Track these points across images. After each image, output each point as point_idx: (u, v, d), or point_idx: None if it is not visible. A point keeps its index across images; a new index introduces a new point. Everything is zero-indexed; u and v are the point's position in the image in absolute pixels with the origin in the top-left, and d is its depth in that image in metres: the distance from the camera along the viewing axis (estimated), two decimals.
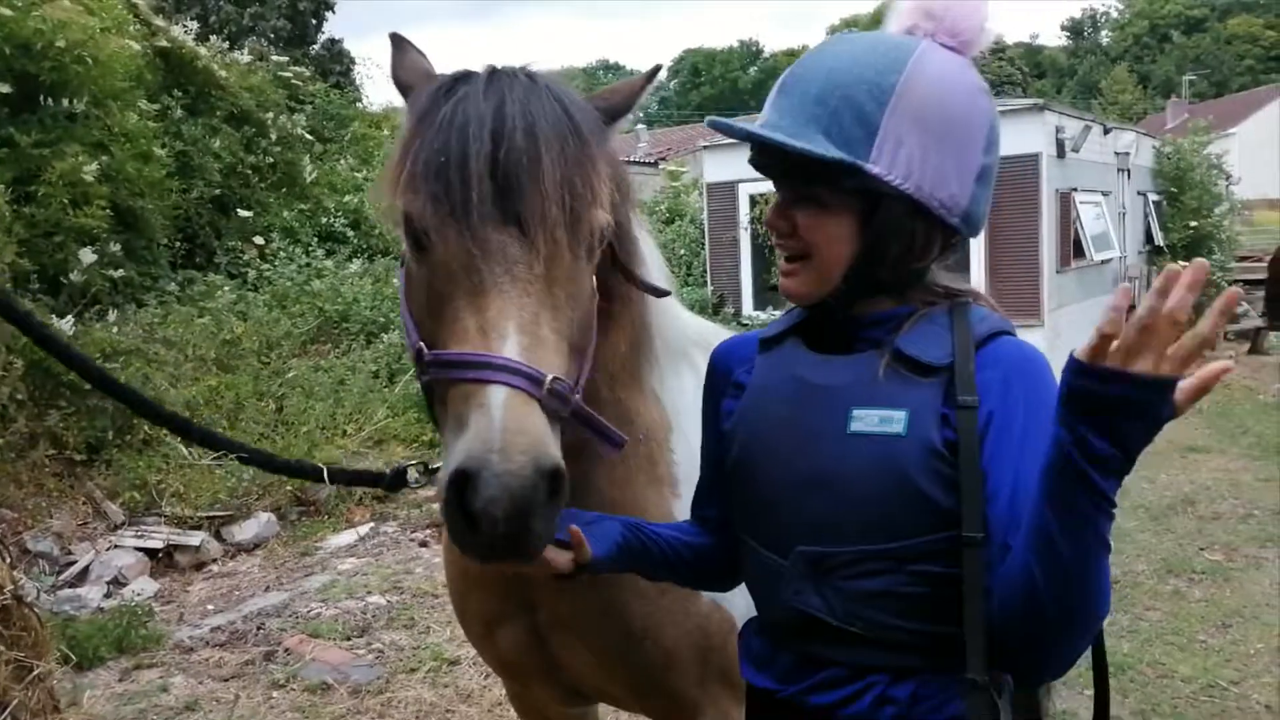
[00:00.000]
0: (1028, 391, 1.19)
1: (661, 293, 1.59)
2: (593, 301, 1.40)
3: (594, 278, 1.41)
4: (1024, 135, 9.28)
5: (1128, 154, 11.66)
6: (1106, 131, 11.04)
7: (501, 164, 1.28)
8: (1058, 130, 9.48)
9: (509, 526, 1.13)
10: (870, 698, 1.20)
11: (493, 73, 1.38)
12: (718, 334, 2.02)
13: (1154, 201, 12.77)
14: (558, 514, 1.19)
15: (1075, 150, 9.80)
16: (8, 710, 1.32)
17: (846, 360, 1.26)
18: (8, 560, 1.52)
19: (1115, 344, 0.95)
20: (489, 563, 1.21)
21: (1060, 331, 9.47)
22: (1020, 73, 47.40)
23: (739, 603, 1.63)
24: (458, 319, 1.27)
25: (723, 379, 1.43)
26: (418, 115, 1.36)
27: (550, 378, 1.21)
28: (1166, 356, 0.94)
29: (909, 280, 1.28)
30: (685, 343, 1.88)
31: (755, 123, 1.28)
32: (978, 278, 9.32)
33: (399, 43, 1.56)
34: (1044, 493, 1.02)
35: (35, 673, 1.41)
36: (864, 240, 1.22)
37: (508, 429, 1.14)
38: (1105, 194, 10.91)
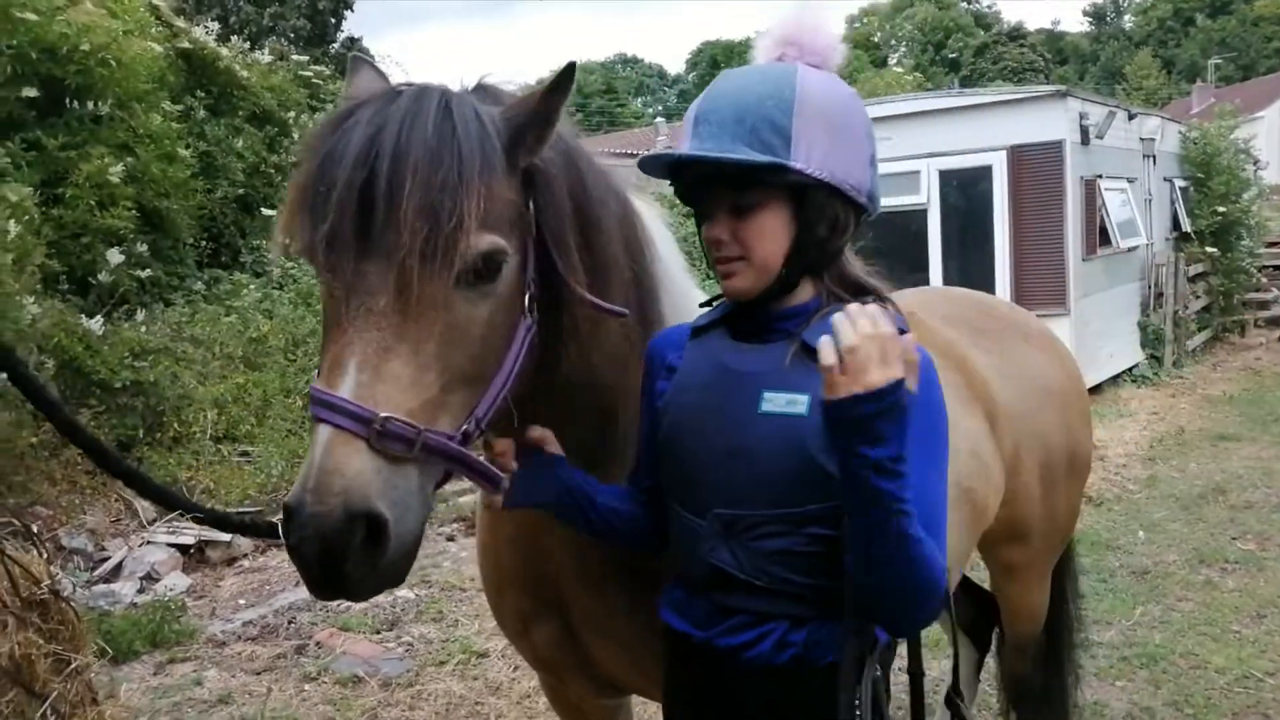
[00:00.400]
0: None
1: (617, 313, 1.52)
2: (503, 328, 1.35)
3: (515, 301, 1.37)
4: (1047, 122, 9.18)
5: (1153, 140, 11.51)
6: (1131, 117, 10.90)
7: (366, 194, 1.25)
8: (1081, 117, 9.37)
9: (321, 568, 1.15)
10: (771, 641, 1.40)
11: (394, 96, 1.35)
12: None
13: (1181, 187, 12.60)
14: (379, 558, 1.18)
15: (1099, 137, 9.68)
16: (47, 702, 1.34)
17: (762, 349, 1.46)
18: (44, 556, 1.54)
19: (841, 374, 1.20)
20: (320, 599, 1.23)
21: (1088, 320, 9.37)
22: (1042, 59, 46.96)
23: None
24: (322, 353, 1.29)
25: (657, 363, 1.58)
26: (307, 144, 1.38)
27: (383, 417, 1.18)
28: (884, 362, 1.20)
29: (834, 257, 1.48)
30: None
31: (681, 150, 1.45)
32: (1002, 267, 9.24)
33: (356, 65, 1.52)
34: (847, 508, 1.28)
35: (73, 666, 1.43)
36: (797, 227, 1.42)
37: (324, 469, 1.15)
38: (1131, 180, 10.77)
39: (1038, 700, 3.07)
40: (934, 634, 4.35)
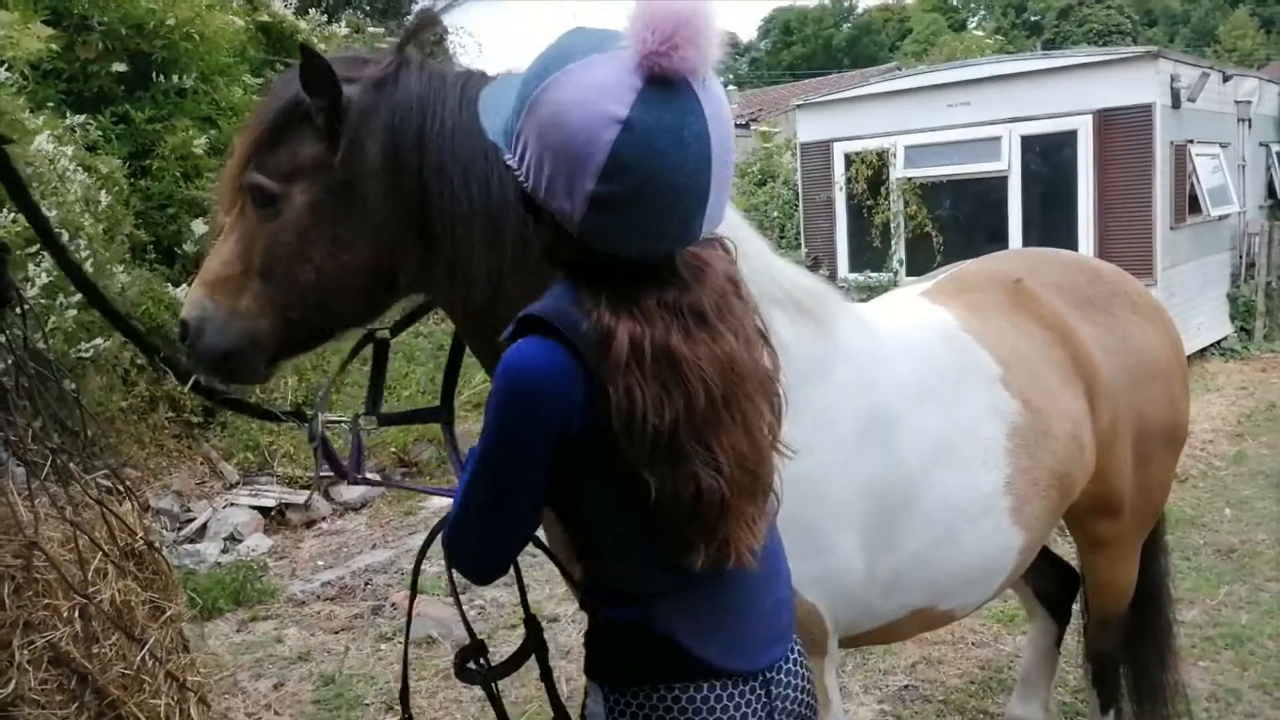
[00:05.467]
0: None
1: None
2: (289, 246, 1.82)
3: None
4: (1135, 85, 8.84)
5: (1249, 103, 11.01)
6: (1226, 79, 10.44)
7: None
8: (1173, 79, 9.00)
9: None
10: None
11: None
12: (814, 289, 1.99)
13: (1277, 153, 12.06)
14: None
15: (1191, 100, 9.29)
16: (145, 647, 1.40)
17: None
18: (138, 509, 1.60)
19: None
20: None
21: (1175, 291, 9.04)
22: (1130, 21, 45.10)
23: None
24: None
25: None
26: None
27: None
28: None
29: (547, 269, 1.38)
30: (778, 296, 1.87)
31: None
32: (1086, 236, 8.96)
33: (306, 54, 1.72)
34: None
35: (168, 614, 1.49)
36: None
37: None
38: (1224, 146, 10.34)
39: (1132, 681, 3.00)
40: (1009, 609, 4.28)
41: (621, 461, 1.25)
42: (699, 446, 1.26)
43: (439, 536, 1.48)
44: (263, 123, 1.80)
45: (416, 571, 1.80)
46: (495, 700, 1.66)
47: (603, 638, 1.42)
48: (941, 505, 2.06)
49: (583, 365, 1.24)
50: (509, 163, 1.28)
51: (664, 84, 1.18)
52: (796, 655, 1.47)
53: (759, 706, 1.37)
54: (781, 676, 1.42)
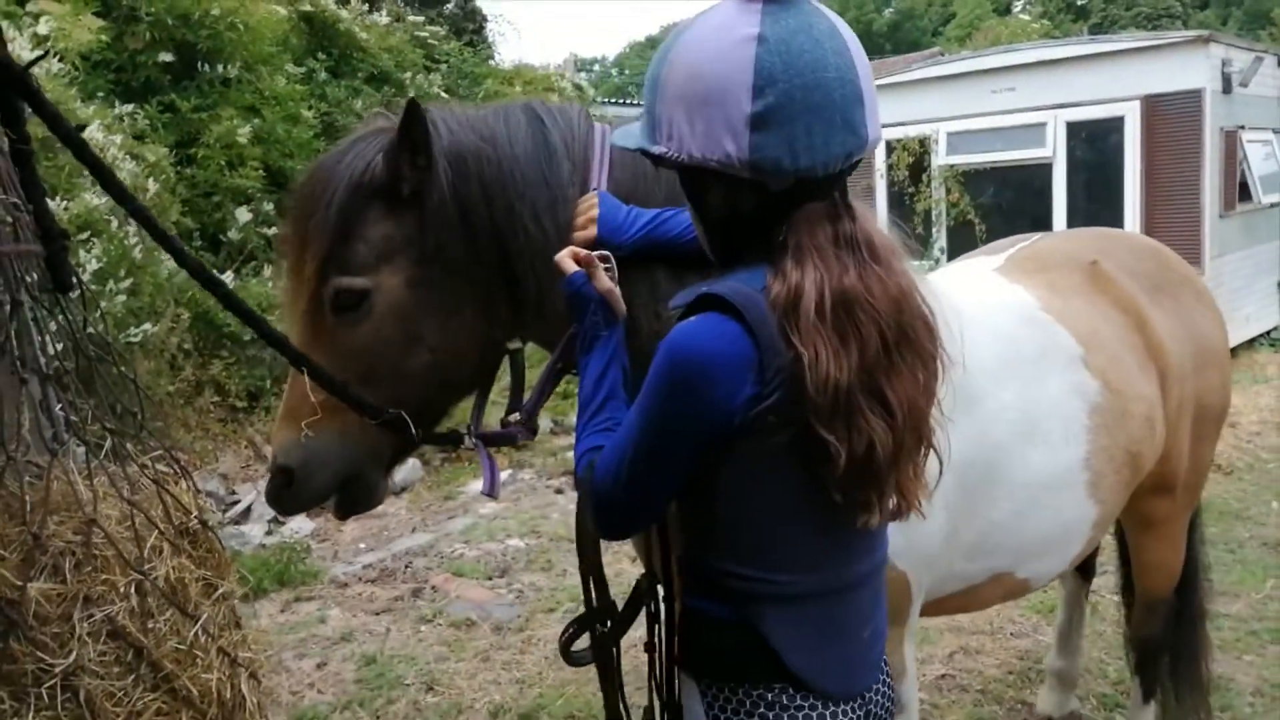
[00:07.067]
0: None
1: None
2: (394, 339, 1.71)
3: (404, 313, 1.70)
4: (1184, 70, 8.67)
5: None
6: None
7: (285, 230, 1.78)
8: (1224, 63, 8.80)
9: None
10: None
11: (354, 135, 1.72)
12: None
13: None
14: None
15: (1243, 85, 9.08)
16: (198, 623, 1.44)
17: None
18: (191, 489, 1.65)
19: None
20: None
21: (1224, 280, 8.87)
22: (1180, 4, 44.10)
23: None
24: None
25: None
26: None
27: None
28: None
29: (755, 233, 1.31)
30: None
31: None
32: (1132, 224, 8.81)
33: (413, 109, 1.60)
34: None
35: (220, 591, 1.53)
36: (694, 214, 1.40)
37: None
38: (1277, 131, 10.11)
39: (1171, 671, 3.03)
40: (1049, 600, 4.25)
41: (777, 450, 1.24)
42: (872, 397, 1.23)
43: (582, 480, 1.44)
44: (326, 225, 1.62)
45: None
46: (608, 671, 1.67)
47: (697, 631, 1.40)
48: (1024, 478, 2.16)
49: (758, 355, 1.21)
50: (659, 152, 1.31)
51: (778, 1, 1.25)
52: (885, 677, 1.45)
53: None
54: (878, 698, 1.41)
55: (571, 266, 1.50)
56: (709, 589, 1.36)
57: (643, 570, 1.76)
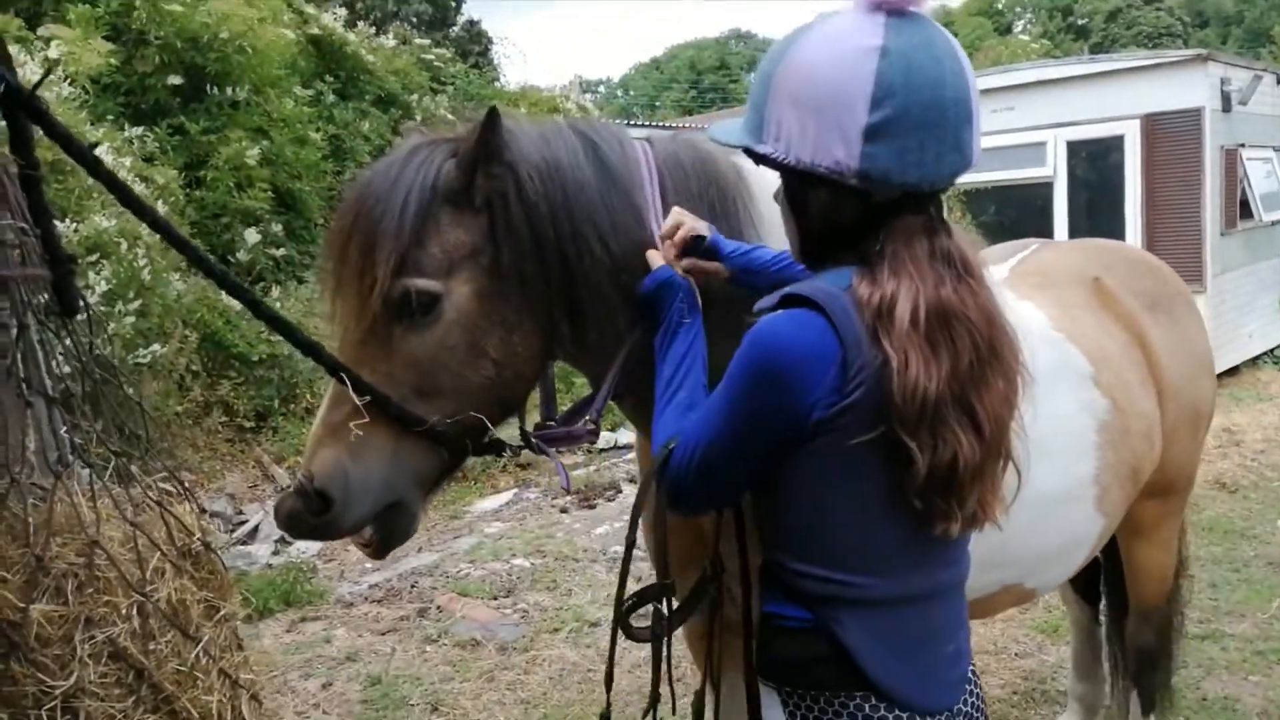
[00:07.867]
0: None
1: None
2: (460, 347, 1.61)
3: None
4: (1185, 89, 8.70)
5: None
6: None
7: (333, 241, 1.64)
8: (1223, 82, 8.84)
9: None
10: None
11: (407, 148, 1.64)
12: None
13: None
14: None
15: (1243, 103, 9.11)
16: (200, 645, 1.46)
17: None
18: (195, 510, 1.67)
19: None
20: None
21: (1226, 298, 8.87)
22: (1180, 23, 44.23)
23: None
24: None
25: None
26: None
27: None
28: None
29: (851, 239, 1.33)
30: None
31: None
32: (1133, 242, 8.82)
33: (493, 117, 1.58)
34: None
35: (222, 613, 1.55)
36: (790, 214, 1.40)
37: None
38: (1277, 149, 10.13)
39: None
40: (1053, 620, 4.24)
41: (856, 452, 1.24)
42: (960, 410, 1.25)
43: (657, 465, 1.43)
44: (402, 226, 1.54)
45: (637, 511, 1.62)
46: (659, 649, 1.63)
47: (774, 637, 1.38)
48: (1038, 493, 2.17)
49: (843, 351, 1.22)
50: (764, 152, 1.32)
51: (901, 14, 1.26)
52: (976, 700, 1.42)
53: None
54: (967, 710, 1.39)
55: (659, 260, 1.57)
56: (785, 592, 1.35)
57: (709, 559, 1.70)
